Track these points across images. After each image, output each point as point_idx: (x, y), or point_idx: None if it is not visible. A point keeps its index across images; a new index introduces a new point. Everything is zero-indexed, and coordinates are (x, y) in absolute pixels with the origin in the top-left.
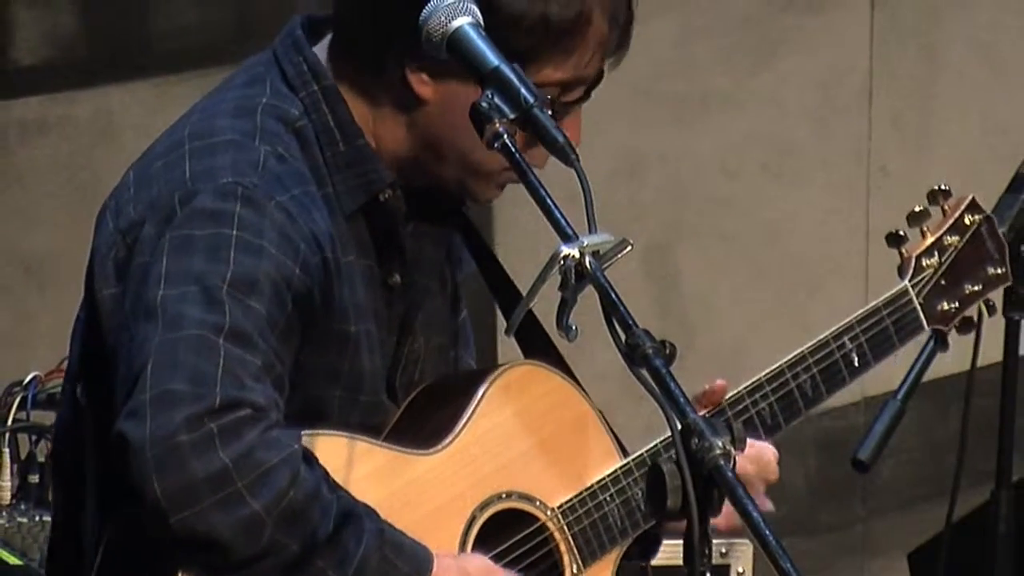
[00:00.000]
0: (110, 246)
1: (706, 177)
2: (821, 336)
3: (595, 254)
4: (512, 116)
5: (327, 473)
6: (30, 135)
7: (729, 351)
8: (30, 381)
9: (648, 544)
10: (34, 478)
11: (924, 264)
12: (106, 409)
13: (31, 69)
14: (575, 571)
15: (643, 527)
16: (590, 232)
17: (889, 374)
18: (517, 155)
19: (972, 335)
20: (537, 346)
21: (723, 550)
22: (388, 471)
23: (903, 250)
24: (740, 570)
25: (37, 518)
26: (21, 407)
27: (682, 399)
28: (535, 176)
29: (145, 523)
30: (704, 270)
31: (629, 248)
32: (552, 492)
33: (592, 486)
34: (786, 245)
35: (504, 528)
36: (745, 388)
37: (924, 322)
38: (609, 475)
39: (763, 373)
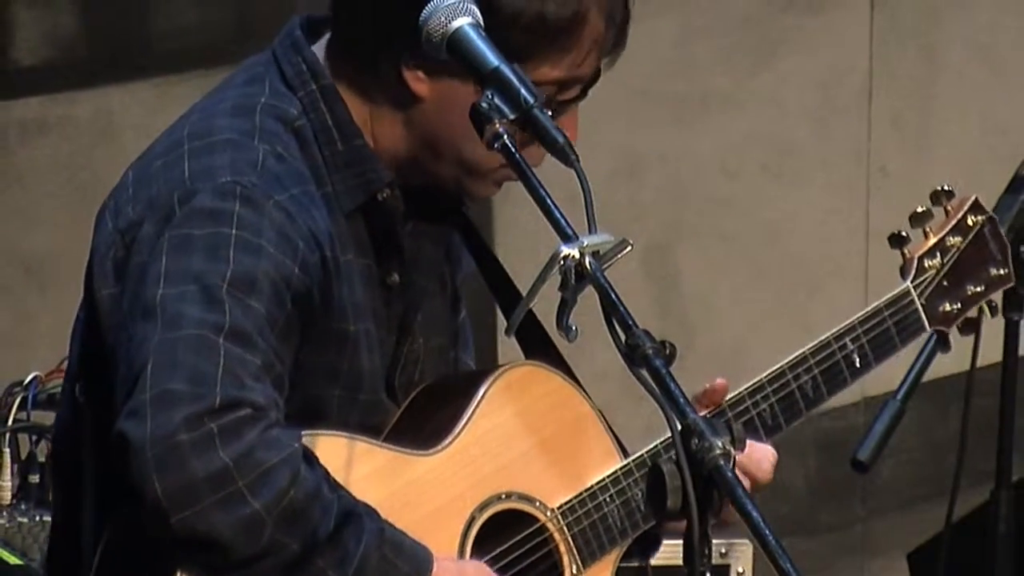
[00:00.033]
0: (109, 246)
1: (706, 177)
2: (822, 337)
3: (595, 254)
4: (512, 117)
5: (327, 473)
6: (30, 135)
7: (729, 351)
8: (30, 381)
9: (648, 544)
10: (34, 478)
11: (926, 265)
12: (105, 409)
13: (31, 69)
14: (575, 572)
15: (643, 528)
16: (590, 232)
17: (889, 374)
18: (517, 155)
19: (972, 335)
20: (537, 346)
21: (723, 550)
22: (388, 471)
23: (905, 251)
24: (740, 570)
25: (37, 518)
26: (22, 407)
27: (682, 399)
28: (535, 176)
29: (145, 523)
30: (704, 270)
31: (629, 248)
32: (552, 493)
33: (592, 487)
34: (786, 245)
35: (504, 529)
36: (746, 389)
37: (926, 323)
38: (609, 476)
39: (764, 374)
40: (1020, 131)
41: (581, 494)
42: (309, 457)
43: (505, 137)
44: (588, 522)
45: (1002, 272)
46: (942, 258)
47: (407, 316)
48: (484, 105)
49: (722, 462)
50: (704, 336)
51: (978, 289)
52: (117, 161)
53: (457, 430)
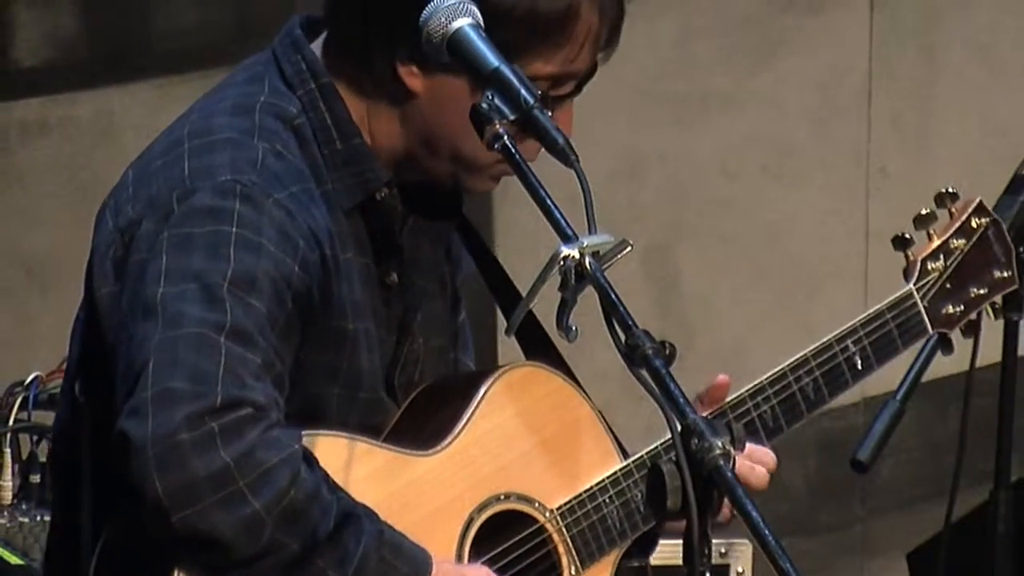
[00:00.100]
0: (108, 244)
1: (706, 178)
2: (824, 339)
3: (595, 255)
4: (512, 117)
5: (327, 474)
6: (31, 136)
7: (729, 351)
8: (31, 381)
9: (646, 543)
10: (35, 478)
11: (929, 267)
12: (105, 408)
13: (32, 70)
14: (573, 572)
15: (642, 529)
16: (590, 233)
17: (889, 375)
18: (517, 156)
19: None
20: (537, 347)
21: (723, 550)
22: (387, 472)
23: (908, 253)
24: (739, 570)
25: (38, 518)
26: (23, 407)
27: (682, 399)
28: (535, 177)
29: (146, 522)
30: (704, 271)
31: (629, 249)
32: (551, 494)
33: (591, 488)
34: (785, 246)
35: (503, 530)
36: (747, 391)
37: (928, 325)
38: (608, 477)
39: (765, 376)
40: (1020, 132)
41: (580, 495)
42: (309, 458)
43: (505, 138)
44: (587, 523)
45: (1006, 275)
46: (945, 260)
47: (407, 316)
48: (484, 106)
49: (722, 462)
50: (704, 336)
51: (981, 291)
52: (118, 161)
53: (457, 431)
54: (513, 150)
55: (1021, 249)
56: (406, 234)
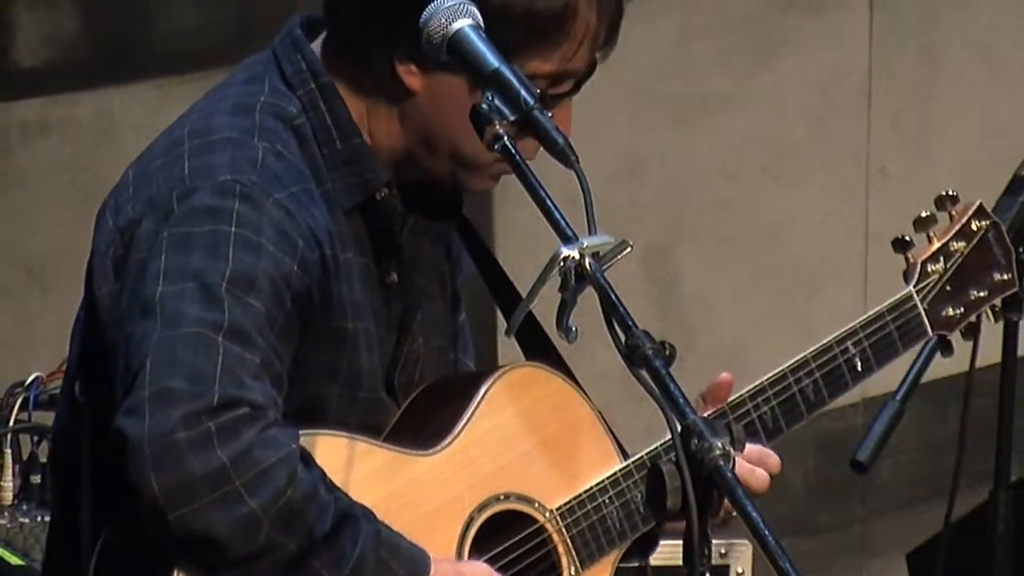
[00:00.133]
0: (108, 244)
1: (706, 178)
2: (824, 340)
3: (595, 255)
4: (512, 118)
5: (324, 474)
6: (32, 136)
7: (729, 352)
8: (32, 382)
9: (646, 544)
10: (36, 479)
11: (929, 270)
12: (104, 407)
13: (32, 71)
14: (573, 573)
15: (642, 529)
16: (590, 233)
17: (888, 375)
18: (517, 157)
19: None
20: (537, 347)
21: (722, 550)
22: (386, 472)
23: (909, 255)
24: (739, 570)
25: (39, 518)
26: (23, 408)
27: (681, 400)
28: (535, 177)
29: (143, 521)
30: (704, 271)
31: (629, 249)
32: (551, 494)
33: (591, 488)
34: (785, 246)
35: (502, 530)
36: (747, 392)
37: (928, 328)
38: (608, 477)
39: (765, 377)
40: (1020, 132)
41: (580, 495)
42: (306, 458)
43: (506, 139)
44: (587, 523)
45: (1006, 277)
46: (945, 263)
47: (407, 316)
48: (484, 107)
49: (722, 462)
50: (704, 337)
51: (981, 294)
52: (118, 162)
53: (456, 431)
54: (513, 151)
55: (1020, 250)
56: (406, 234)
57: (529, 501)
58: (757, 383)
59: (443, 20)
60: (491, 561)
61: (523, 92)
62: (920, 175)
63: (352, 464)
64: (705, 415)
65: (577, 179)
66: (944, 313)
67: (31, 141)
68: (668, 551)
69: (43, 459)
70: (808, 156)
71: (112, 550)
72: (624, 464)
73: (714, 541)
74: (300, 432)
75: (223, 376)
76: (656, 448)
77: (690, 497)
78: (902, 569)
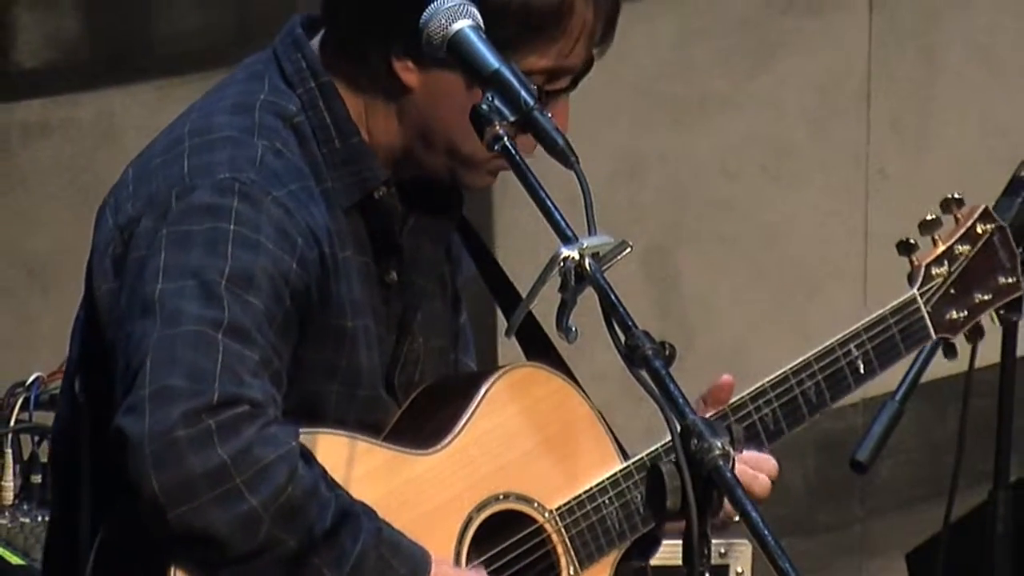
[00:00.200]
0: (108, 242)
1: (705, 179)
2: (827, 343)
3: (595, 256)
4: (512, 119)
5: (325, 472)
6: (32, 137)
7: (728, 352)
8: (33, 382)
9: (647, 545)
10: (36, 478)
11: (934, 273)
12: (104, 405)
13: (33, 71)
14: (572, 573)
15: (641, 530)
16: (590, 234)
17: (887, 375)
18: (517, 157)
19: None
20: (537, 347)
21: (722, 550)
22: (386, 470)
23: (913, 258)
24: (739, 570)
25: (40, 518)
26: (24, 408)
27: (681, 400)
28: (535, 178)
29: (143, 519)
30: (703, 272)
31: (629, 250)
32: (551, 494)
33: (591, 488)
34: (785, 247)
35: (501, 530)
36: (748, 393)
37: (932, 331)
38: (608, 478)
39: (767, 379)
40: (1019, 133)
41: (580, 496)
42: (306, 455)
43: (506, 139)
44: (586, 524)
45: (1010, 280)
46: (950, 266)
47: (406, 315)
48: (484, 107)
49: (721, 462)
50: (703, 337)
51: (986, 297)
52: (119, 163)
53: (456, 430)
54: (513, 151)
55: (1020, 251)
56: (406, 234)
57: (528, 501)
58: (759, 384)
59: (443, 21)
60: (490, 561)
61: (523, 93)
62: (919, 176)
63: (351, 462)
64: (706, 417)
65: (577, 180)
66: (948, 316)
67: (32, 142)
68: (668, 551)
69: (44, 459)
70: (807, 157)
71: (110, 548)
72: (624, 465)
73: (714, 541)
74: (300, 430)
75: (223, 374)
76: (656, 449)
77: (690, 497)
78: (901, 569)
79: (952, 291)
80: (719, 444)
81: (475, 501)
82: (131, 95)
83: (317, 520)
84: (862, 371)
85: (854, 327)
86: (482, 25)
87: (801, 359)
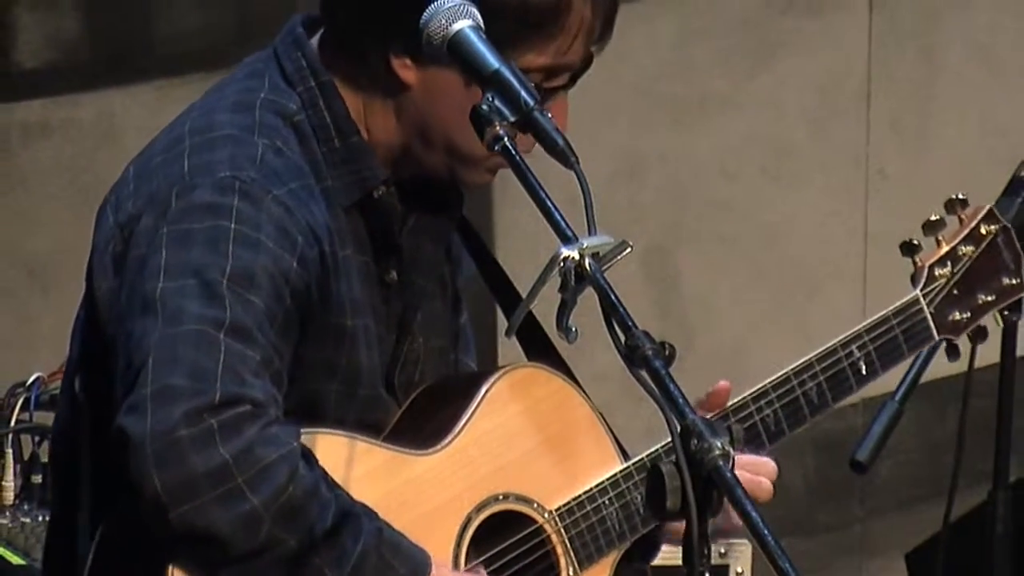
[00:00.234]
0: (108, 240)
1: (705, 179)
2: (829, 344)
3: (595, 256)
4: (512, 119)
5: (325, 472)
6: (33, 137)
7: (728, 352)
8: (33, 382)
9: (648, 549)
10: (37, 478)
11: (937, 274)
12: (104, 403)
13: (34, 72)
14: (571, 574)
15: (641, 531)
16: (590, 234)
17: (887, 376)
18: (517, 157)
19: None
20: (538, 348)
21: (722, 550)
22: (385, 471)
23: (916, 259)
24: (739, 570)
25: (40, 518)
26: (24, 408)
27: (681, 400)
28: (535, 178)
29: (144, 518)
30: (703, 272)
31: (629, 250)
32: (550, 494)
33: (591, 489)
34: (785, 247)
35: (501, 530)
36: (750, 394)
37: (934, 332)
38: (608, 478)
39: (768, 380)
40: (1019, 133)
41: (580, 496)
42: (307, 456)
43: (506, 139)
44: (586, 524)
45: (1014, 281)
46: (953, 267)
47: (406, 315)
48: (484, 107)
49: (721, 462)
50: (703, 337)
51: (989, 299)
52: (119, 163)
53: (456, 430)
54: (514, 151)
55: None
56: (406, 233)
57: (528, 501)
58: (760, 385)
59: (443, 21)
60: (489, 561)
61: (523, 93)
62: (919, 176)
63: (351, 463)
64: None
65: (577, 180)
66: (951, 317)
67: (32, 142)
68: (668, 551)
69: (44, 459)
70: (807, 157)
71: (109, 546)
72: (624, 465)
73: (712, 542)
74: (300, 430)
75: (224, 373)
76: (657, 450)
77: (690, 497)
78: (901, 569)
79: (955, 292)
80: (719, 444)
81: (474, 501)
82: (131, 95)
83: (318, 520)
84: (864, 372)
85: (856, 328)
86: (482, 25)
87: (803, 360)
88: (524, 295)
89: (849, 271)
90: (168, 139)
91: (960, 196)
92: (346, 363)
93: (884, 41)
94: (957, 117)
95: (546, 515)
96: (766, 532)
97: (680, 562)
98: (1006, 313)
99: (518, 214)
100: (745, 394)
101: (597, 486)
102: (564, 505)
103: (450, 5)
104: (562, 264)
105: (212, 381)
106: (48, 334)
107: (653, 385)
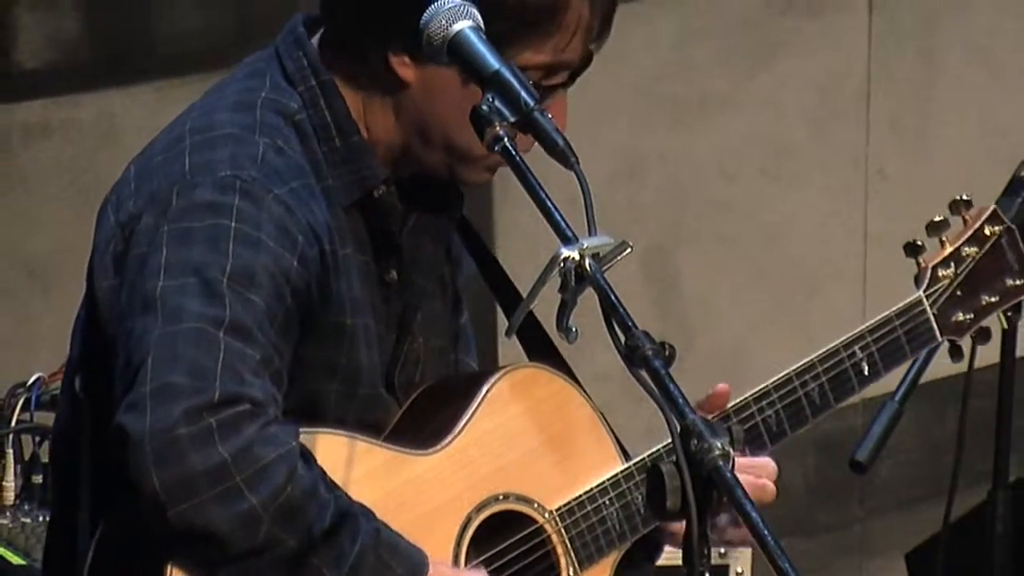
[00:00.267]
0: (109, 239)
1: (705, 179)
2: (831, 344)
3: (595, 256)
4: (512, 119)
5: (324, 473)
6: (33, 138)
7: (728, 352)
8: (34, 382)
9: (651, 549)
10: (37, 479)
11: (940, 274)
12: (104, 402)
13: (34, 72)
14: (572, 574)
15: (642, 531)
16: (590, 234)
17: (888, 376)
18: (518, 158)
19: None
20: (539, 347)
21: (722, 551)
22: (385, 471)
23: (920, 260)
24: (739, 570)
25: (41, 518)
26: (25, 408)
27: (681, 400)
28: (535, 178)
29: (143, 516)
30: (703, 272)
31: (629, 250)
32: (551, 495)
33: (591, 489)
34: (784, 248)
35: (501, 530)
36: (752, 395)
37: (937, 333)
38: (609, 479)
39: (770, 380)
40: (1018, 133)
41: (580, 496)
42: (306, 456)
43: (506, 140)
44: (586, 524)
45: (1018, 283)
46: (956, 268)
47: (406, 314)
48: (484, 108)
49: (721, 463)
50: (703, 338)
51: (993, 299)
52: (119, 163)
53: (457, 430)
54: (513, 152)
55: None
56: (406, 233)
57: (528, 502)
58: (762, 386)
59: (443, 22)
60: (489, 561)
61: (523, 94)
62: (919, 177)
63: (351, 463)
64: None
65: (577, 180)
66: (954, 318)
67: (33, 142)
68: (668, 551)
69: (45, 459)
70: (807, 158)
71: (109, 544)
72: (625, 466)
73: (718, 548)
74: (300, 430)
75: (224, 372)
76: (658, 450)
77: (690, 497)
78: (901, 569)
79: (959, 293)
80: (719, 444)
81: (475, 501)
82: (131, 96)
83: (316, 520)
84: (867, 373)
85: (859, 329)
86: (482, 25)
87: (805, 360)
88: (524, 295)
89: (849, 271)
90: (169, 138)
91: (964, 197)
92: (346, 362)
93: (884, 42)
94: (957, 117)
95: (546, 515)
96: (766, 532)
97: (680, 562)
98: (1009, 314)
99: (518, 214)
100: (747, 394)
101: (598, 486)
102: (564, 505)
103: (450, 6)
104: (562, 264)
105: (211, 380)
106: (48, 334)
107: (653, 385)
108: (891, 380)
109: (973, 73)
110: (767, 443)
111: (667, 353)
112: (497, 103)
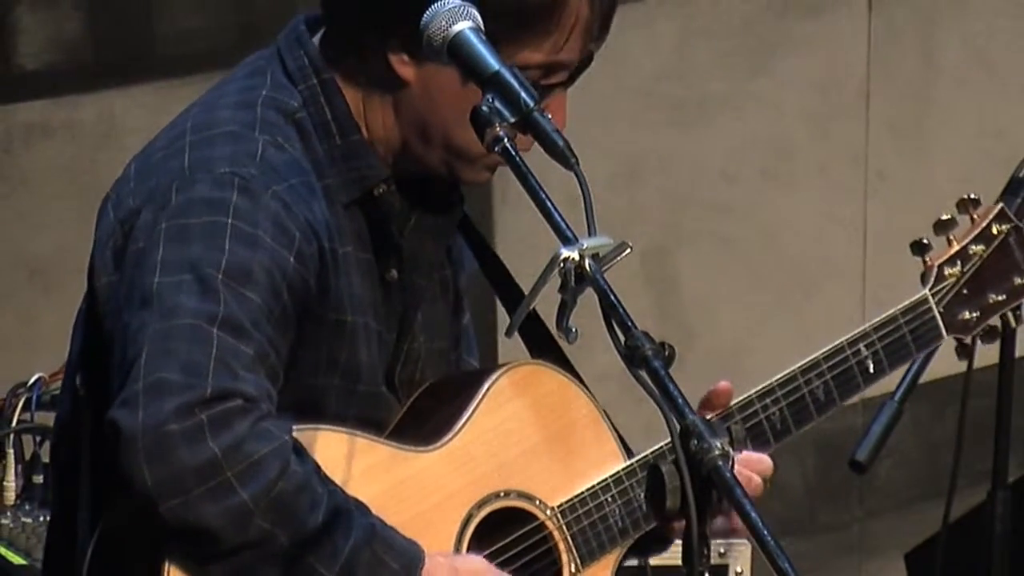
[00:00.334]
0: (109, 235)
1: (705, 180)
2: (836, 342)
3: (595, 257)
4: (512, 120)
5: (318, 467)
6: (34, 138)
7: (728, 353)
8: (34, 382)
9: (658, 543)
10: (38, 479)
11: (947, 273)
12: (105, 399)
13: (35, 73)
14: (573, 570)
15: (644, 528)
16: (590, 235)
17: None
18: (517, 158)
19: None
20: (541, 345)
21: (721, 550)
22: (384, 467)
23: (926, 258)
24: (738, 570)
25: (41, 518)
26: (26, 408)
27: (681, 400)
28: (535, 179)
29: (138, 512)
30: (703, 273)
31: (628, 251)
32: (553, 491)
33: (593, 486)
34: (784, 248)
35: (503, 527)
36: (756, 392)
37: (943, 331)
38: (611, 475)
39: (775, 378)
40: (1017, 134)
41: (582, 493)
42: (299, 450)
43: (505, 141)
44: (588, 521)
45: None
46: (963, 266)
47: (407, 314)
48: (484, 108)
49: (720, 462)
50: (703, 338)
51: (1000, 298)
52: (120, 164)
53: (458, 427)
54: (513, 152)
55: None
56: (408, 233)
57: (530, 498)
58: (766, 384)
59: (443, 23)
60: (490, 557)
61: (523, 94)
62: (918, 177)
63: (351, 459)
64: (711, 416)
65: (577, 181)
66: (960, 317)
67: (34, 143)
68: (668, 551)
69: (45, 459)
70: (807, 158)
71: (108, 541)
72: (627, 463)
73: (713, 541)
74: (300, 426)
75: (217, 368)
76: (661, 448)
77: (689, 497)
78: (900, 569)
79: (965, 291)
80: (718, 444)
81: (475, 498)
82: (132, 97)
83: (309, 515)
84: (872, 371)
85: (864, 326)
86: (482, 26)
87: (809, 358)
88: (525, 294)
89: (848, 272)
90: (169, 136)
91: (972, 196)
92: (346, 359)
93: (883, 43)
94: (955, 118)
95: (548, 512)
96: (765, 532)
97: (680, 562)
98: (1018, 313)
99: (518, 214)
100: (751, 392)
101: (599, 483)
102: (566, 502)
103: (450, 6)
104: (562, 265)
105: (204, 375)
106: (49, 334)
107: (653, 385)
108: (890, 380)
109: (972, 73)
110: (771, 441)
111: (667, 353)
112: (497, 104)
